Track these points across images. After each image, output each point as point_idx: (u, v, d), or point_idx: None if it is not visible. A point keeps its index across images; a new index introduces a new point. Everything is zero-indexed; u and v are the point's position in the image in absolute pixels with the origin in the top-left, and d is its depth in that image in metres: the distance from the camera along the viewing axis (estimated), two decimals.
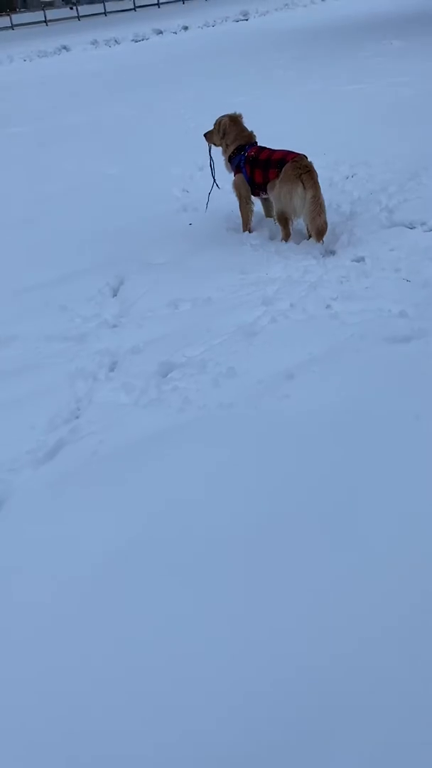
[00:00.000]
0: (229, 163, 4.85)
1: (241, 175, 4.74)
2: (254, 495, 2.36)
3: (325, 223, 4.42)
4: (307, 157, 4.53)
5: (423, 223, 4.61)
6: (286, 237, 4.65)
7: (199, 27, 24.45)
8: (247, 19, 25.24)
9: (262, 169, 4.62)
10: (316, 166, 4.66)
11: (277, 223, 4.70)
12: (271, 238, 4.83)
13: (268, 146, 4.74)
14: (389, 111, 7.99)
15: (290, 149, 4.63)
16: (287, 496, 2.34)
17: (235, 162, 4.76)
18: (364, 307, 3.60)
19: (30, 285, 4.57)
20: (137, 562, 2.17)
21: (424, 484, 2.29)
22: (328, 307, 3.71)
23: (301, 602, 1.97)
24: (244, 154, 4.70)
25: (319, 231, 4.40)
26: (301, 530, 2.20)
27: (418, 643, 1.83)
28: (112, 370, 3.42)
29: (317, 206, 4.36)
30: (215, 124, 4.88)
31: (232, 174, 4.86)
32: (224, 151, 4.88)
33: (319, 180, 4.48)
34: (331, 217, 4.86)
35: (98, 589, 2.11)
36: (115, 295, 4.37)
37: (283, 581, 2.05)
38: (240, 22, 24.87)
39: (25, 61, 22.19)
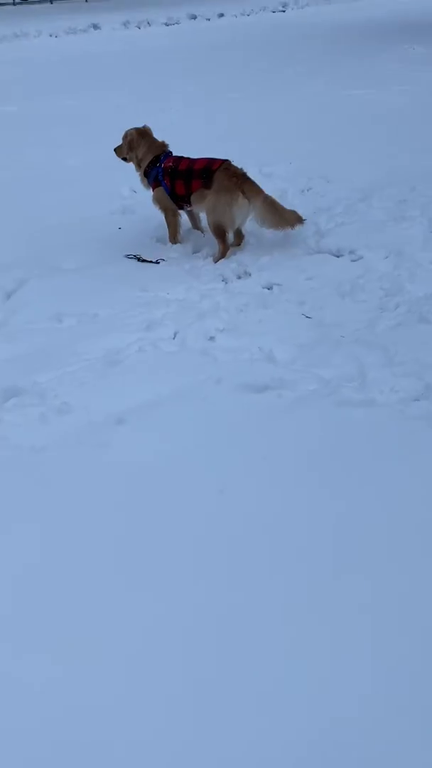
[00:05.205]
0: (145, 178, 4.51)
1: (161, 188, 4.39)
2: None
3: (293, 213, 4.23)
4: (231, 162, 4.21)
5: (351, 252, 4.25)
6: (224, 252, 4.25)
7: (233, 16, 23.92)
8: (284, 11, 24.67)
9: (183, 180, 4.29)
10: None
11: (213, 236, 4.31)
12: (194, 251, 4.51)
13: (184, 155, 4.42)
14: (378, 120, 7.58)
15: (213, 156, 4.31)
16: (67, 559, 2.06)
17: (152, 176, 4.40)
18: (244, 345, 3.29)
19: None
20: None
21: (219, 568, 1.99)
22: (211, 339, 3.42)
23: None
24: (161, 165, 4.36)
25: (295, 222, 4.22)
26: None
27: None
28: None
29: (274, 209, 4.15)
30: (123, 138, 4.57)
31: (150, 190, 4.52)
32: (137, 167, 4.56)
33: (274, 192, 4.20)
34: (264, 234, 4.53)
35: None
36: (8, 298, 4.09)
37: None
38: (277, 13, 24.31)
39: None
